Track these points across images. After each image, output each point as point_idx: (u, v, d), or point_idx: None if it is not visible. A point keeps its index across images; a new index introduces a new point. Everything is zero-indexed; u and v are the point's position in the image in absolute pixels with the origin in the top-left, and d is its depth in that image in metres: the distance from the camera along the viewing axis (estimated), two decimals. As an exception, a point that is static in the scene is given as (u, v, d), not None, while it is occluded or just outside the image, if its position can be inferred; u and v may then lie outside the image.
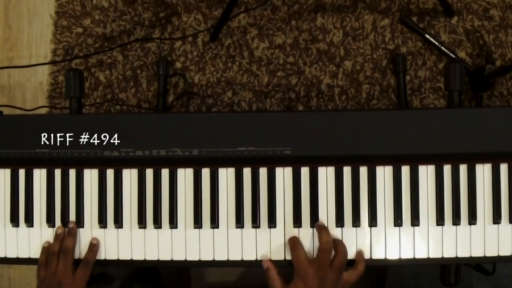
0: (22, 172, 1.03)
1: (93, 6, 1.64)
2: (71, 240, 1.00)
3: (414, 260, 0.98)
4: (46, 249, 1.01)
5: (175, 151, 0.98)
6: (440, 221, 0.97)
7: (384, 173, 0.99)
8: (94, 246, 1.00)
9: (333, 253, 0.95)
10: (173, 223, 1.00)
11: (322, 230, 0.96)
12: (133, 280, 1.20)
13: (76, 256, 1.01)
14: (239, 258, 1.00)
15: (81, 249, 1.02)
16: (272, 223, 0.99)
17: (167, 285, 1.23)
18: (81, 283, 0.99)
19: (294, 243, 0.97)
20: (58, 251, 1.00)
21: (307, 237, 0.98)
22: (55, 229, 1.02)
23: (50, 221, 1.02)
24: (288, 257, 0.98)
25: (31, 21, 1.69)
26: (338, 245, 0.96)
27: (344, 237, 0.98)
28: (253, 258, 0.99)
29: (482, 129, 0.96)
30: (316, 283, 0.93)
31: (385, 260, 0.98)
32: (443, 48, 1.52)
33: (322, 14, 1.58)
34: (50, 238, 1.02)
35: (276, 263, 0.99)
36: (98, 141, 0.99)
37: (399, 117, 0.97)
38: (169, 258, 1.01)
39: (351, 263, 0.97)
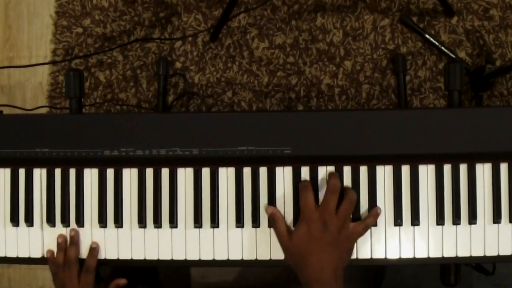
0: (22, 172, 1.03)
1: (93, 6, 1.64)
2: (73, 251, 1.00)
3: (414, 260, 0.98)
4: (52, 257, 1.02)
5: (175, 151, 0.98)
6: (440, 220, 0.97)
7: (384, 173, 0.99)
8: (94, 250, 1.00)
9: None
10: (173, 223, 1.00)
11: (332, 175, 0.96)
12: (136, 281, 1.20)
13: (80, 255, 1.02)
14: (239, 258, 1.00)
15: (82, 250, 1.02)
16: (272, 222, 0.99)
17: (166, 285, 1.23)
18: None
19: (304, 186, 0.96)
20: (63, 262, 1.01)
21: (307, 237, 0.98)
22: (54, 229, 1.02)
23: (50, 220, 1.02)
24: (288, 257, 0.99)
25: (31, 21, 1.69)
26: (347, 192, 0.96)
27: (344, 237, 0.98)
28: (253, 258, 0.99)
29: (482, 129, 0.95)
30: (319, 227, 0.93)
31: (385, 259, 0.98)
32: (443, 48, 1.52)
33: (322, 14, 1.58)
34: (50, 238, 1.02)
35: (276, 263, 0.99)
36: (98, 141, 0.99)
37: (399, 117, 0.97)
38: (169, 258, 1.01)
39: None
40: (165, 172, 1.01)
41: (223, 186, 1.00)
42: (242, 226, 0.99)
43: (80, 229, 1.02)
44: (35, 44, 1.68)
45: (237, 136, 0.98)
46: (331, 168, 0.99)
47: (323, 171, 0.99)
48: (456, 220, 0.97)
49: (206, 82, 1.59)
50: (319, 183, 0.99)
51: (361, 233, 0.96)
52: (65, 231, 1.03)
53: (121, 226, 1.01)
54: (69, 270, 1.00)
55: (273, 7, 1.59)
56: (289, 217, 0.99)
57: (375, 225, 0.98)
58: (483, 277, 1.23)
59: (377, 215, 0.97)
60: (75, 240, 1.01)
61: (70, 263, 1.00)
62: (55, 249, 1.02)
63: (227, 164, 1.00)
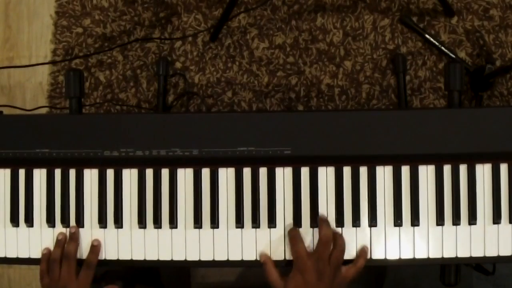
0: (22, 172, 1.03)
1: (93, 6, 1.64)
2: (73, 245, 1.00)
3: (414, 260, 0.98)
4: (47, 256, 1.01)
5: (175, 151, 0.98)
6: (440, 221, 0.97)
7: (384, 173, 0.99)
8: (95, 248, 1.00)
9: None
10: (173, 223, 1.00)
11: (323, 223, 0.96)
12: (134, 281, 1.20)
13: (80, 255, 1.01)
14: (239, 258, 1.00)
15: (82, 249, 1.02)
16: (272, 223, 0.99)
17: (167, 285, 1.23)
18: (85, 285, 0.99)
19: (293, 236, 0.97)
20: (60, 257, 1.00)
21: (307, 237, 0.98)
22: (54, 229, 1.02)
23: (50, 221, 1.02)
24: (288, 257, 0.99)
25: (31, 21, 1.69)
26: (337, 239, 0.96)
27: (344, 237, 0.98)
28: (253, 258, 0.99)
29: (482, 129, 0.95)
30: (314, 276, 0.93)
31: (385, 260, 0.98)
32: (443, 48, 1.52)
33: (322, 14, 1.58)
34: (50, 238, 1.02)
35: (276, 263, 0.99)
36: (98, 141, 0.99)
37: (399, 117, 0.97)
38: (169, 258, 1.01)
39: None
40: (165, 172, 1.01)
41: (223, 186, 1.00)
42: (242, 227, 0.99)
43: (80, 230, 1.02)
44: (35, 44, 1.68)
45: (237, 136, 0.98)
46: (331, 168, 0.99)
47: (323, 171, 0.99)
48: (456, 221, 0.97)
49: (206, 82, 1.59)
50: (319, 183, 0.99)
51: (353, 276, 0.96)
52: (65, 231, 1.02)
53: (121, 227, 1.01)
54: (67, 265, 0.99)
55: (273, 7, 1.59)
56: (289, 218, 0.99)
57: (375, 225, 0.98)
58: (483, 277, 1.23)
59: (366, 254, 0.97)
60: (75, 236, 1.00)
61: (69, 257, 0.99)
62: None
63: (227, 164, 1.00)
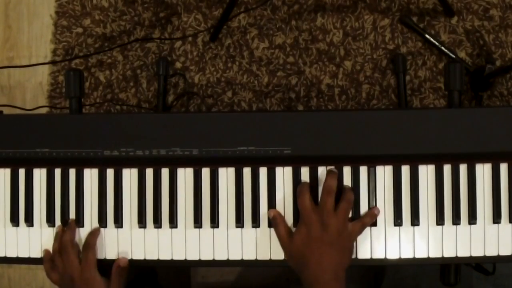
0: (22, 172, 1.03)
1: (93, 6, 1.64)
2: (68, 234, 0.99)
3: (414, 260, 0.98)
4: (48, 255, 1.01)
5: (175, 151, 0.98)
6: (440, 220, 0.97)
7: (384, 173, 0.99)
8: (95, 230, 1.00)
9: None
10: (173, 223, 1.00)
11: (329, 173, 0.97)
12: (132, 283, 1.20)
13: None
14: (239, 258, 1.00)
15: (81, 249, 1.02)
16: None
17: (165, 286, 1.23)
18: (90, 266, 0.97)
19: (302, 188, 0.96)
20: (58, 249, 1.00)
21: (307, 237, 0.98)
22: (54, 229, 1.02)
23: (50, 221, 1.02)
24: (288, 257, 0.99)
25: (31, 21, 1.69)
26: (345, 192, 0.96)
27: (344, 237, 0.98)
28: (253, 258, 0.99)
29: (482, 129, 0.95)
30: (318, 228, 0.93)
31: (385, 260, 0.98)
32: (443, 48, 1.52)
33: (322, 14, 1.58)
34: (50, 238, 1.02)
35: (276, 263, 0.99)
36: (98, 141, 0.99)
37: (399, 117, 0.97)
38: (169, 258, 1.01)
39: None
40: (165, 172, 1.01)
41: (223, 186, 1.00)
42: (242, 226, 0.99)
43: (80, 229, 1.02)
44: (35, 44, 1.68)
45: (237, 136, 0.98)
46: (331, 168, 0.99)
47: (323, 171, 0.99)
48: (456, 220, 0.97)
49: (206, 82, 1.59)
50: (319, 183, 0.99)
51: (359, 232, 0.96)
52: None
53: (121, 226, 1.01)
54: (66, 254, 0.98)
55: (273, 7, 1.59)
56: (289, 217, 0.99)
57: (375, 225, 0.98)
58: (483, 277, 1.23)
59: (374, 215, 0.97)
60: (71, 226, 1.00)
61: (67, 245, 0.98)
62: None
63: (227, 164, 1.00)
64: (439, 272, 1.06)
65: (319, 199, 0.97)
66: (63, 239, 0.99)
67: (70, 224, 1.01)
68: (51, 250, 1.01)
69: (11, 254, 1.04)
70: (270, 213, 0.98)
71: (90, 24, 1.63)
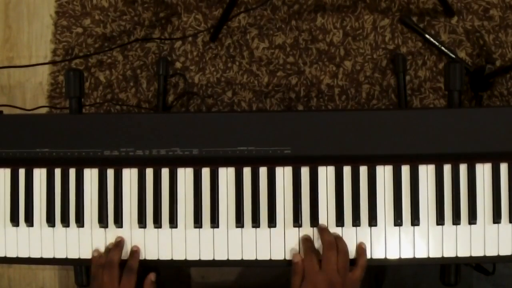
0: (22, 172, 1.03)
1: (93, 6, 1.64)
2: (116, 253, 0.99)
3: (414, 260, 0.98)
4: (96, 260, 1.01)
5: (175, 151, 0.98)
6: (440, 220, 0.97)
7: (384, 173, 0.99)
8: (135, 253, 1.00)
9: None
10: (173, 223, 1.00)
11: (323, 231, 0.97)
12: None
13: (79, 255, 1.02)
14: (239, 258, 1.00)
15: (83, 251, 1.02)
16: (272, 222, 0.99)
17: (165, 286, 1.23)
18: None
19: (307, 248, 0.97)
20: (104, 263, 0.99)
21: (307, 237, 0.98)
22: (54, 229, 1.02)
23: (50, 220, 1.02)
24: (288, 257, 0.99)
25: (31, 21, 1.68)
26: (338, 243, 0.96)
27: (344, 236, 0.98)
28: (253, 258, 0.99)
29: (482, 129, 0.96)
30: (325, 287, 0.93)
31: (385, 260, 0.98)
32: (443, 48, 1.52)
33: (322, 14, 1.58)
34: (50, 238, 1.02)
35: (276, 263, 0.99)
36: (98, 141, 0.99)
37: (399, 117, 0.97)
38: (169, 258, 1.01)
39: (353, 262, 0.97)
40: (165, 172, 1.01)
41: (223, 186, 1.00)
42: (242, 226, 0.99)
43: (80, 229, 1.02)
44: (35, 44, 1.68)
45: (237, 136, 0.98)
46: (331, 168, 0.99)
47: (323, 171, 0.99)
48: (456, 220, 0.97)
49: (206, 82, 1.59)
50: (319, 183, 0.99)
51: (361, 276, 0.96)
52: (65, 231, 1.02)
53: (121, 226, 1.01)
54: (109, 272, 0.98)
55: (273, 7, 1.59)
56: (289, 217, 0.99)
57: (375, 225, 0.98)
58: (483, 277, 1.23)
59: (364, 251, 0.97)
60: (120, 244, 1.00)
61: (112, 265, 0.98)
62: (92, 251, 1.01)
63: (227, 164, 1.00)
64: (439, 272, 1.06)
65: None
66: (109, 257, 0.99)
67: (120, 242, 1.01)
68: (100, 253, 1.01)
69: (11, 254, 1.04)
70: (295, 258, 0.97)
71: (90, 24, 1.63)
